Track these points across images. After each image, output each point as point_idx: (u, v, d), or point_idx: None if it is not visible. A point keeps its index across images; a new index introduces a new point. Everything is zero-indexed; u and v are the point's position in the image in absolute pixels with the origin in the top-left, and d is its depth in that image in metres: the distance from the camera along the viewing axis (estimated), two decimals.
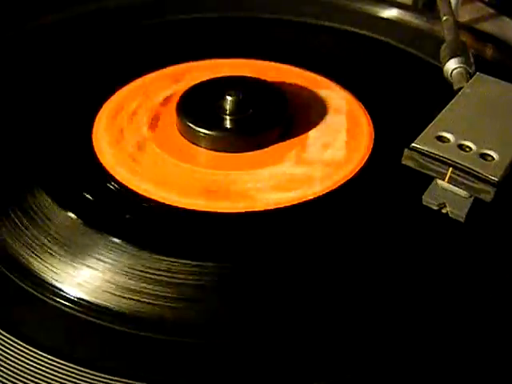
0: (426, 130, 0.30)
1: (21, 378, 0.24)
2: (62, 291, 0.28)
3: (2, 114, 0.38)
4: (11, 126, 0.37)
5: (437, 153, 0.28)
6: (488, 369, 0.25)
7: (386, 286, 0.28)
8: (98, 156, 0.34)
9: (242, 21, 0.49)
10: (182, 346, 0.26)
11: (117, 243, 0.29)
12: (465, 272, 0.29)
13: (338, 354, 0.25)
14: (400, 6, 0.49)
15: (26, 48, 0.45)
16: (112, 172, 0.33)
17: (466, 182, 0.28)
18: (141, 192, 0.32)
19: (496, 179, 0.27)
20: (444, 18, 0.41)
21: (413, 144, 0.29)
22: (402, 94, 0.40)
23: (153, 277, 0.28)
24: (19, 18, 0.47)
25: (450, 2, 0.43)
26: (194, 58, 0.43)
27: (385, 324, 0.26)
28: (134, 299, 0.27)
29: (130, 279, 0.28)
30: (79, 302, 0.27)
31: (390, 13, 0.49)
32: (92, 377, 0.24)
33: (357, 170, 0.33)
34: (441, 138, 0.29)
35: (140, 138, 0.36)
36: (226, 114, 0.35)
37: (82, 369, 0.24)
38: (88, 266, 0.28)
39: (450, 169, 0.28)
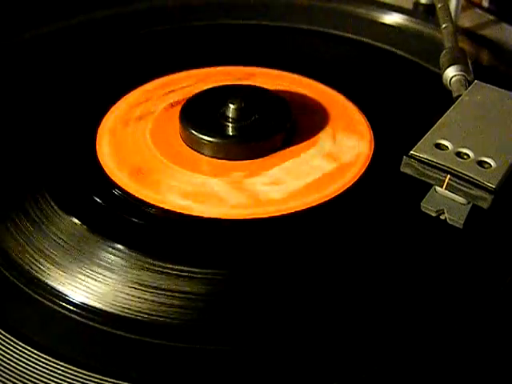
0: (424, 138, 0.30)
1: (22, 379, 0.25)
2: (65, 295, 0.28)
3: (6, 121, 0.39)
4: (17, 133, 0.38)
5: (435, 160, 0.29)
6: (485, 370, 0.25)
7: (387, 291, 0.28)
8: (102, 162, 0.35)
9: (244, 28, 0.49)
10: (185, 352, 0.26)
11: (120, 249, 0.29)
12: (463, 278, 0.29)
13: (337, 364, 0.26)
14: (400, 13, 0.49)
15: (30, 56, 0.45)
16: (115, 178, 0.34)
17: (463, 188, 0.28)
18: (144, 198, 0.32)
19: (493, 186, 0.27)
20: (443, 25, 0.41)
21: (411, 152, 0.29)
22: (402, 100, 0.40)
23: (155, 283, 0.28)
24: (22, 25, 0.47)
25: (449, 9, 0.43)
26: (197, 65, 0.43)
27: (384, 329, 0.27)
28: (135, 304, 0.27)
29: (132, 285, 0.28)
30: (82, 307, 0.27)
31: (390, 19, 0.49)
32: (91, 378, 0.25)
33: (357, 177, 0.34)
34: (439, 146, 0.30)
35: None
36: (229, 122, 0.35)
37: (81, 370, 0.25)
38: (91, 271, 0.29)
39: (448, 176, 0.28)
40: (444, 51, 0.38)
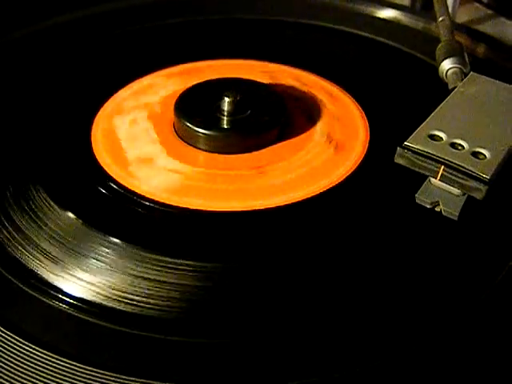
0: (418, 129, 0.30)
1: (20, 375, 0.25)
2: (62, 291, 0.28)
3: (2, 116, 0.39)
4: (12, 128, 0.38)
5: (429, 151, 0.29)
6: (484, 369, 0.25)
7: (382, 284, 0.28)
8: (97, 156, 0.35)
9: (241, 23, 0.49)
10: (184, 346, 0.26)
11: (116, 243, 0.29)
12: (459, 270, 0.29)
13: (335, 354, 0.26)
14: (397, 7, 0.49)
15: (27, 51, 0.45)
16: (110, 172, 0.34)
17: (457, 179, 0.28)
18: (139, 192, 0.32)
19: (487, 177, 0.27)
20: (440, 18, 0.41)
21: (405, 142, 0.29)
22: (398, 93, 0.40)
23: (152, 276, 0.28)
24: (20, 20, 0.47)
25: (446, 3, 0.43)
26: (193, 59, 0.43)
27: (380, 322, 0.27)
28: (133, 299, 0.27)
29: (129, 279, 0.28)
30: (79, 302, 0.27)
31: (388, 13, 0.49)
32: (92, 375, 0.25)
33: (352, 169, 0.34)
34: (433, 137, 0.30)
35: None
36: (224, 115, 0.35)
37: (82, 365, 0.25)
38: (87, 266, 0.29)
39: (442, 167, 0.28)
40: (440, 44, 0.39)
